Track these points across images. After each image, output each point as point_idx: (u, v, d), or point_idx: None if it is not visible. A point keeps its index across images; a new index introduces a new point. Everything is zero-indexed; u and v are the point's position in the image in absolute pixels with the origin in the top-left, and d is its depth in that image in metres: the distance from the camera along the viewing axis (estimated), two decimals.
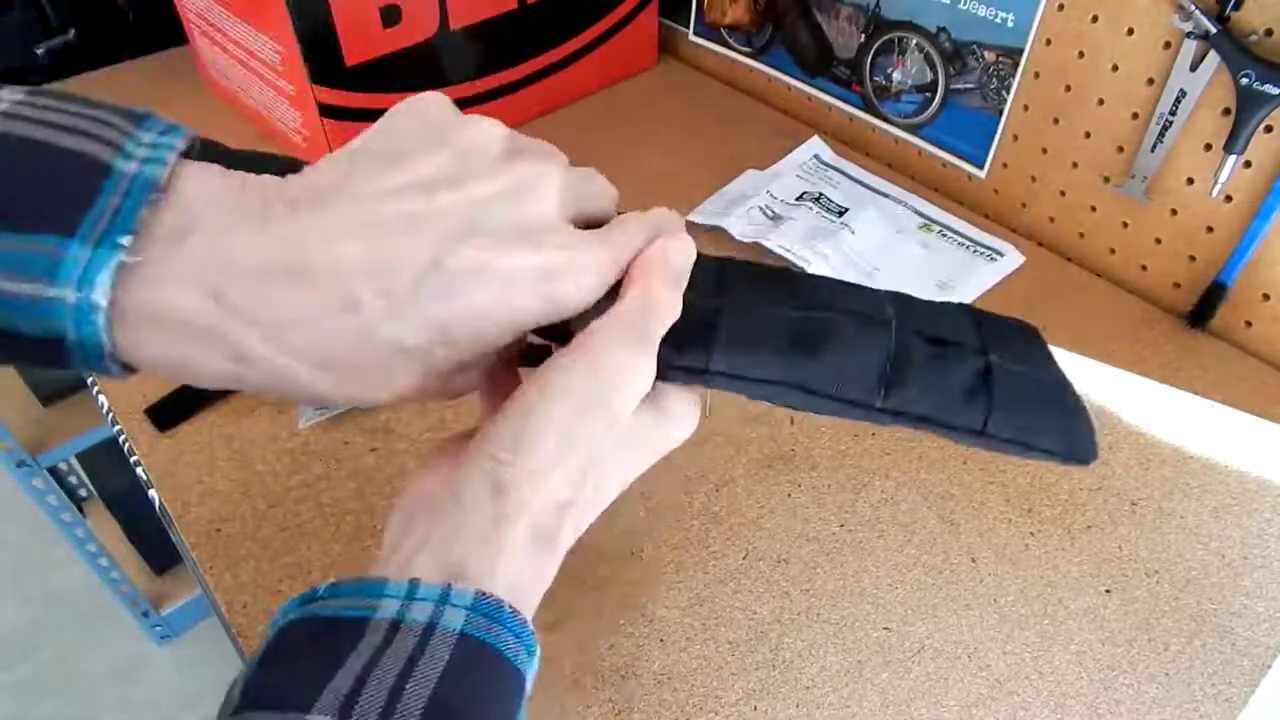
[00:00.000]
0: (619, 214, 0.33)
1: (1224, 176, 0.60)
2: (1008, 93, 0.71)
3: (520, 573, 0.27)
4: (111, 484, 1.27)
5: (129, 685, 1.40)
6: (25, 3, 0.96)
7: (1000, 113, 0.73)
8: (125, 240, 0.23)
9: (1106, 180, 0.69)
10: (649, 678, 0.46)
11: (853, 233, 0.72)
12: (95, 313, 0.24)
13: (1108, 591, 0.50)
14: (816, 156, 0.83)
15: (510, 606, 0.26)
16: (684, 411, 0.32)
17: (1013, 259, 0.72)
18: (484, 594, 0.25)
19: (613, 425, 0.29)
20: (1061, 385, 0.34)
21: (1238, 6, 0.57)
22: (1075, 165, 0.70)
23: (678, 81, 0.97)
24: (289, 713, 0.23)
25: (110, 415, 0.59)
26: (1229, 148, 0.59)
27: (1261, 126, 0.58)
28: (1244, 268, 0.62)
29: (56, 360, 0.25)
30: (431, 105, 0.31)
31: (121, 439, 0.58)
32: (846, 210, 0.75)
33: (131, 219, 0.24)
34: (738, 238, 0.72)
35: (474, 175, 0.28)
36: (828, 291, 0.35)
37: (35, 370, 1.31)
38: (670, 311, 0.31)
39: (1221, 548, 0.53)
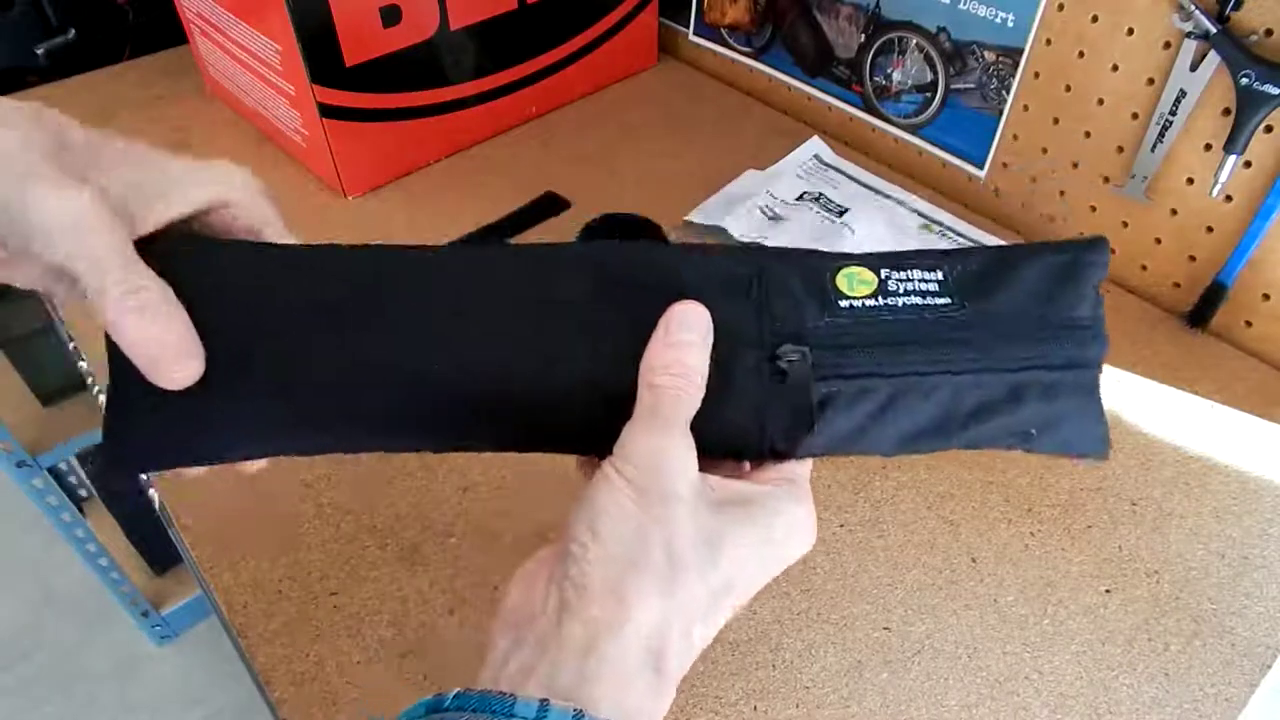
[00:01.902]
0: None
1: (1224, 176, 0.60)
2: (1008, 93, 0.71)
3: (630, 698, 0.27)
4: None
5: (129, 685, 1.40)
6: (25, 2, 0.96)
7: (1000, 113, 0.73)
8: None
9: (1106, 180, 0.69)
10: None
11: (853, 233, 0.72)
12: None
13: (1108, 591, 0.50)
14: (816, 156, 0.83)
15: None
16: (775, 502, 0.31)
17: None
18: None
19: (672, 520, 0.28)
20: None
21: (1238, 6, 0.57)
22: (1075, 165, 0.70)
23: (678, 81, 0.97)
24: None
25: None
26: (1229, 148, 0.59)
27: (1261, 126, 0.58)
28: (1244, 268, 0.62)
29: None
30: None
31: None
32: (847, 210, 0.75)
33: None
34: (738, 237, 0.72)
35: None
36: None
37: (35, 370, 1.31)
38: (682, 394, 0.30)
39: (1221, 548, 0.53)
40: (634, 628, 0.27)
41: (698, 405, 0.30)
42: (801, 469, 0.32)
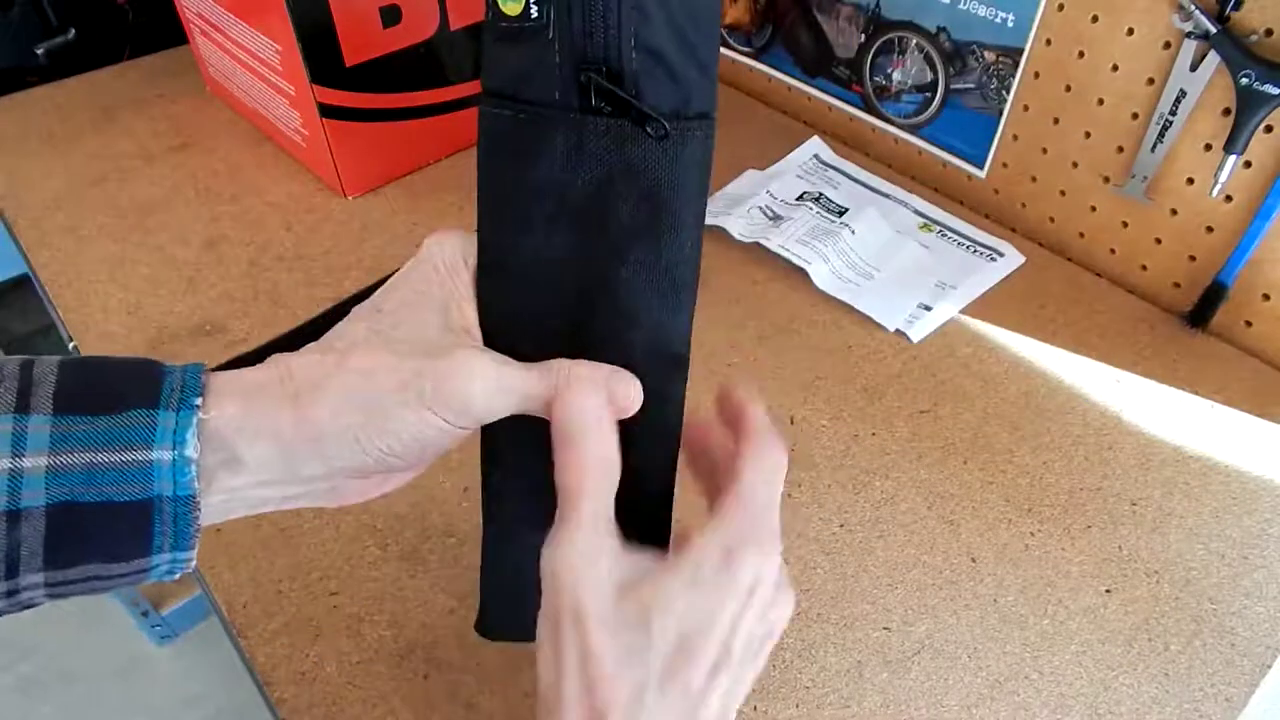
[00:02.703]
0: None
1: (1224, 176, 0.60)
2: (1008, 93, 0.71)
3: None
4: None
5: (129, 685, 1.40)
6: (25, 2, 0.96)
7: (1000, 113, 0.73)
8: (198, 401, 0.28)
9: (1106, 180, 0.69)
10: None
11: (853, 232, 0.72)
12: (190, 465, 0.28)
13: (1108, 591, 0.50)
14: (816, 156, 0.83)
15: None
16: (698, 541, 0.30)
17: (1013, 259, 0.72)
18: None
19: (600, 624, 0.28)
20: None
21: (1238, 6, 0.57)
22: (1075, 165, 0.70)
23: None
24: None
25: None
26: (1229, 148, 0.59)
27: (1261, 126, 0.58)
28: (1244, 268, 0.62)
29: (138, 535, 0.28)
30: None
31: None
32: (846, 210, 0.75)
33: (197, 384, 0.28)
34: (738, 238, 0.72)
35: None
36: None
37: None
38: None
39: (1221, 548, 0.53)
40: None
41: (613, 491, 0.30)
42: (731, 507, 0.31)
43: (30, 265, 0.72)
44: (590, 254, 0.31)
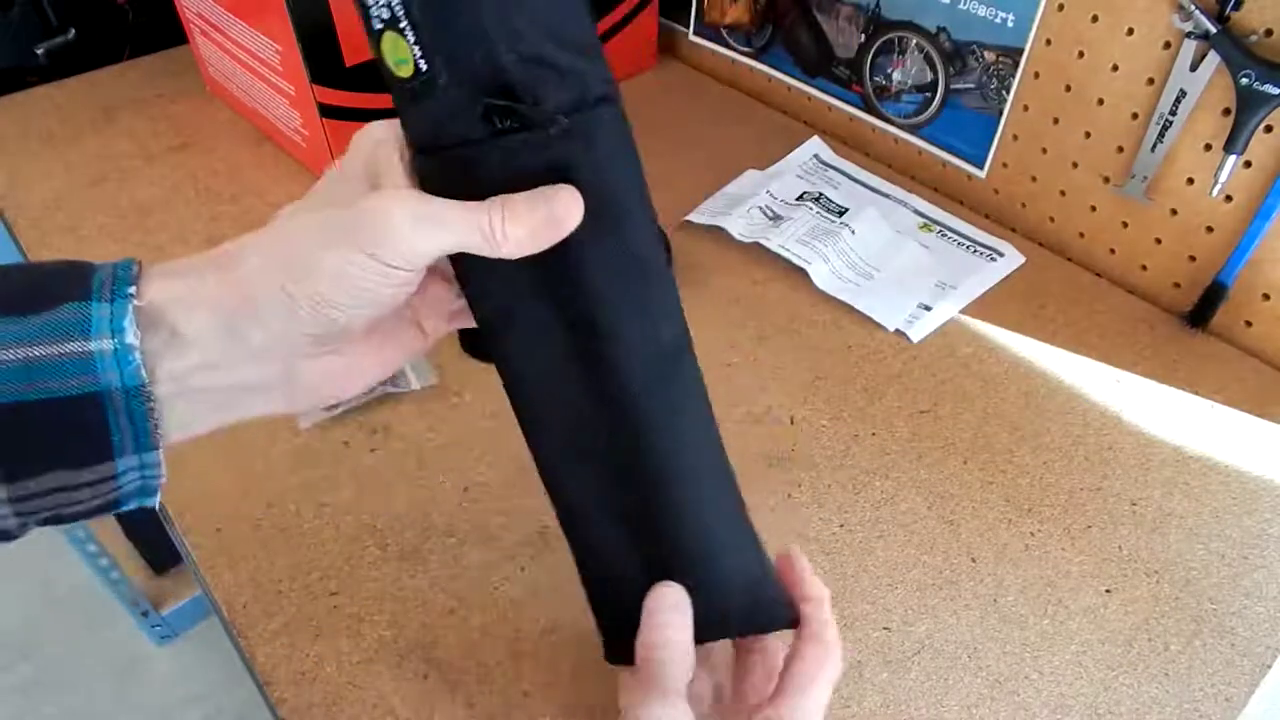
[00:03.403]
0: None
1: (1224, 176, 0.60)
2: (1008, 93, 0.71)
3: None
4: None
5: (129, 685, 1.40)
6: (25, 2, 0.96)
7: (1000, 113, 0.73)
8: (131, 289, 0.28)
9: (1106, 180, 0.69)
10: None
11: (853, 232, 0.72)
12: (132, 352, 0.27)
13: (1108, 591, 0.50)
14: (816, 156, 0.83)
15: None
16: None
17: (1013, 259, 0.72)
18: None
19: None
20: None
21: (1238, 6, 0.57)
22: (1075, 165, 0.70)
23: (678, 81, 0.97)
24: None
25: None
26: (1229, 148, 0.59)
27: (1261, 126, 0.58)
28: (1244, 268, 0.62)
29: (94, 432, 0.28)
30: None
31: None
32: (846, 210, 0.75)
33: (128, 275, 0.28)
34: (738, 238, 0.72)
35: None
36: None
37: None
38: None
39: (1221, 548, 0.53)
40: None
41: (690, 674, 0.34)
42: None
43: None
44: (556, 264, 0.32)
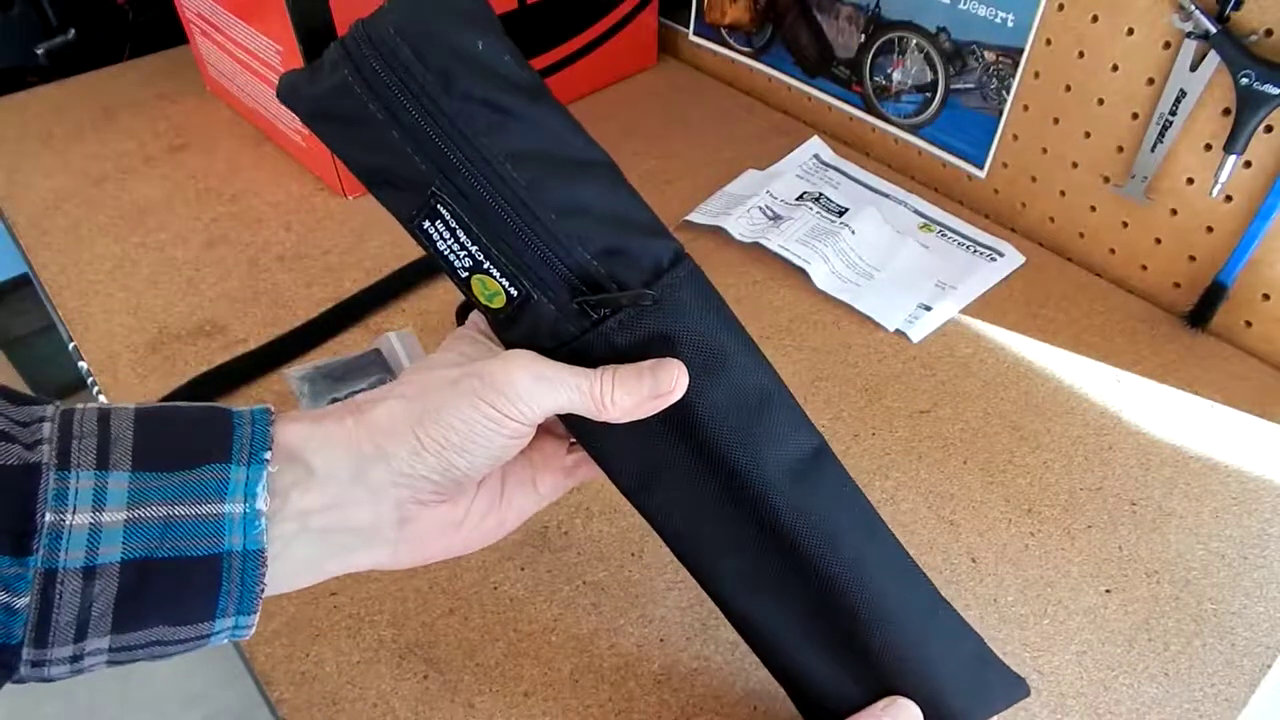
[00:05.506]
0: None
1: (1224, 176, 0.60)
2: (1008, 93, 0.71)
3: None
4: None
5: (129, 685, 1.40)
6: (25, 3, 0.96)
7: (1000, 113, 0.73)
8: (268, 455, 0.29)
9: (1106, 180, 0.69)
10: (648, 678, 0.46)
11: (853, 232, 0.72)
12: (260, 518, 0.29)
13: (1108, 591, 0.50)
14: (816, 156, 0.83)
15: None
16: None
17: (1013, 259, 0.72)
18: None
19: None
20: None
21: (1238, 6, 0.57)
22: (1075, 165, 0.70)
23: (678, 81, 0.97)
24: None
25: None
26: (1229, 148, 0.59)
27: (1261, 126, 0.58)
28: (1244, 268, 0.62)
29: (205, 593, 0.28)
30: None
31: None
32: (846, 210, 0.75)
33: (265, 437, 0.29)
34: (738, 238, 0.72)
35: None
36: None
37: (35, 370, 1.31)
38: None
39: (1221, 548, 0.53)
40: None
41: None
42: None
43: (30, 265, 0.72)
44: (681, 421, 0.34)
